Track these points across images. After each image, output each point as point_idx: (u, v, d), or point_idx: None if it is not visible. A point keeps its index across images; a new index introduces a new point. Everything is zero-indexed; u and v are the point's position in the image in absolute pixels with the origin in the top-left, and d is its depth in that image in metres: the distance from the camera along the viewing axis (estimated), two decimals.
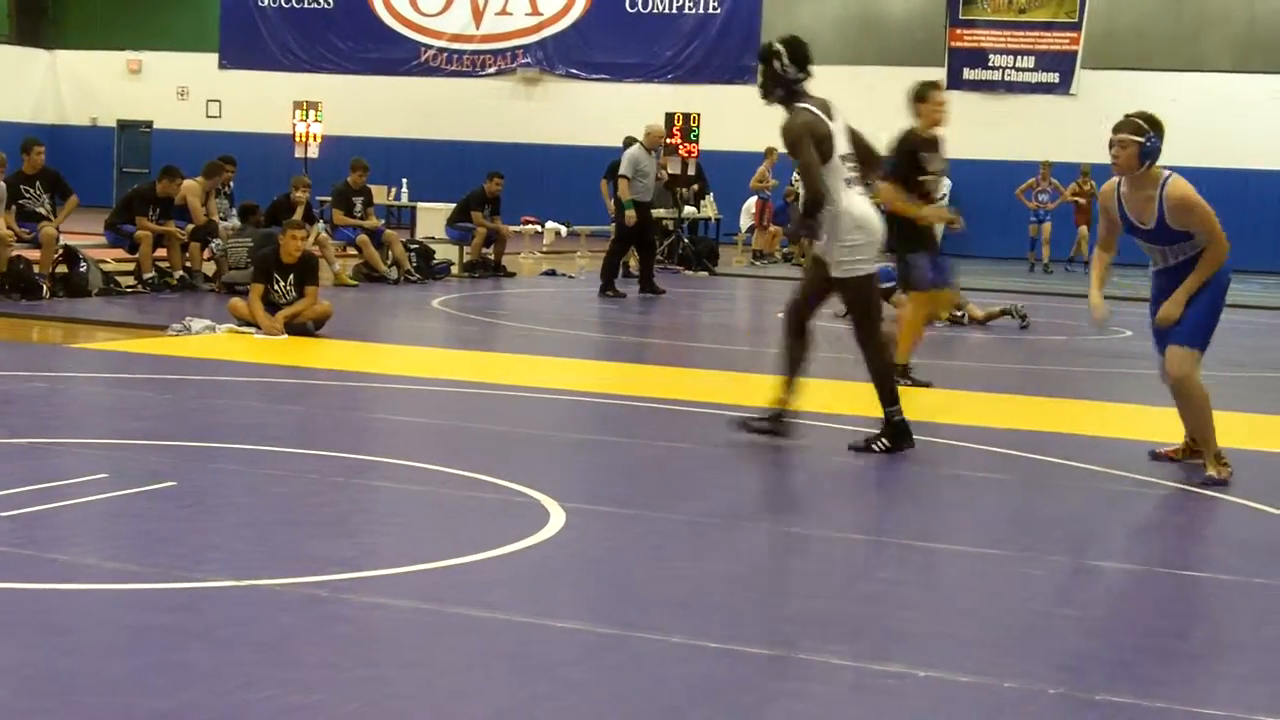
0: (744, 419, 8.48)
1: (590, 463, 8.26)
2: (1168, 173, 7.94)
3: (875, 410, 8.42)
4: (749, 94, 35.25)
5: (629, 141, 19.92)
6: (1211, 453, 8.02)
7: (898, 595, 5.67)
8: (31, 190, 15.74)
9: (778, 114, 8.34)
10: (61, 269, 15.46)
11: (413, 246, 20.48)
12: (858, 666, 4.75)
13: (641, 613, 5.22)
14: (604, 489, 7.33)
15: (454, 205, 21.83)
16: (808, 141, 8.15)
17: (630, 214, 18.48)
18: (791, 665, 4.76)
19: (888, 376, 8.44)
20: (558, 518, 6.49)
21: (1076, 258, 28.35)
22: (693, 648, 4.85)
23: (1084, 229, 27.71)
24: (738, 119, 31.48)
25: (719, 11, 34.43)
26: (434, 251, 20.79)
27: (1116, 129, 7.85)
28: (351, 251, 19.66)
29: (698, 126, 25.52)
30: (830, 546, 6.43)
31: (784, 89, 8.38)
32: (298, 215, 16.78)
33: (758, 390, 10.94)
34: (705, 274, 23.64)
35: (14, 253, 15.10)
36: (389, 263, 19.50)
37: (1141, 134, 7.76)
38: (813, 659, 4.81)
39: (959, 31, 33.49)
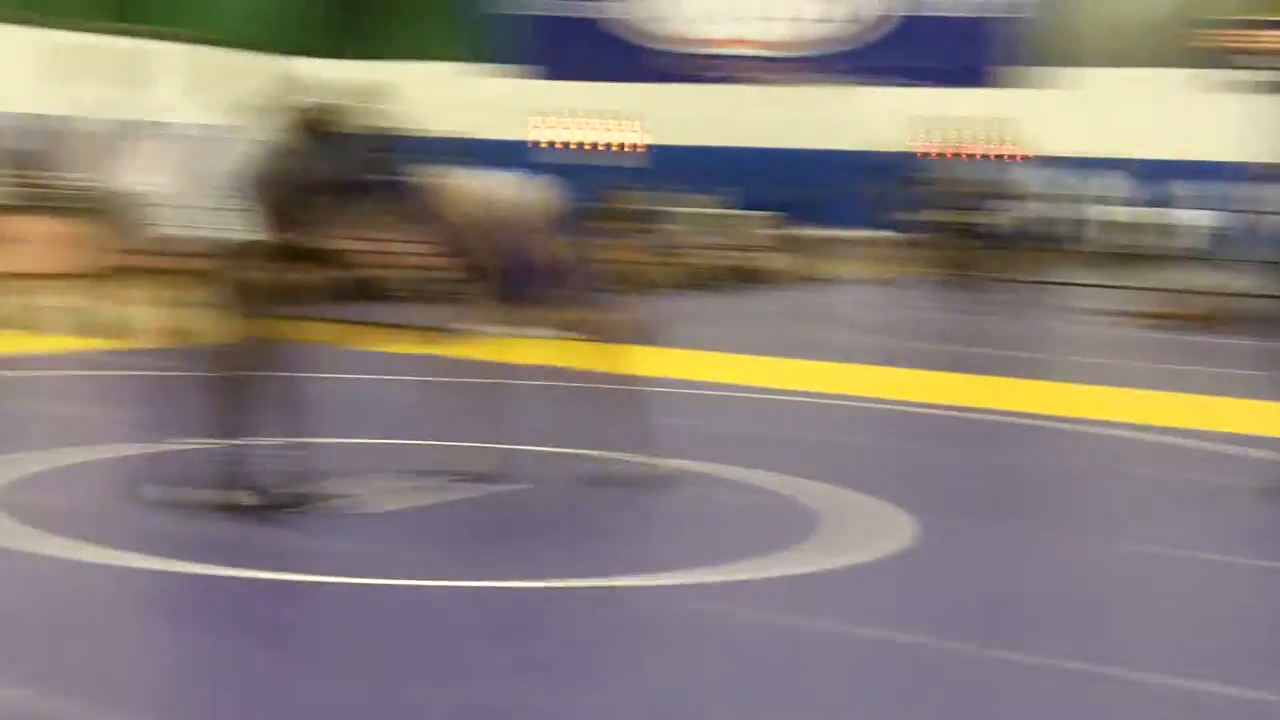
0: None
1: (944, 476, 8.11)
2: None
3: None
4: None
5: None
6: None
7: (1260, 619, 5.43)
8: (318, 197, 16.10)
9: None
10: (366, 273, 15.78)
11: None
12: (1217, 692, 4.54)
13: (993, 630, 5.09)
14: (957, 503, 7.19)
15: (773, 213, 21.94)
16: None
17: None
18: (1142, 687, 4.59)
19: None
20: (910, 531, 6.38)
21: None
22: (1046, 666, 4.71)
23: None
24: None
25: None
26: None
27: None
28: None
29: None
30: (1181, 566, 6.19)
31: None
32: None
33: (1140, 408, 10.68)
34: None
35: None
36: None
37: None
38: (1168, 683, 4.63)
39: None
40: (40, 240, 14.63)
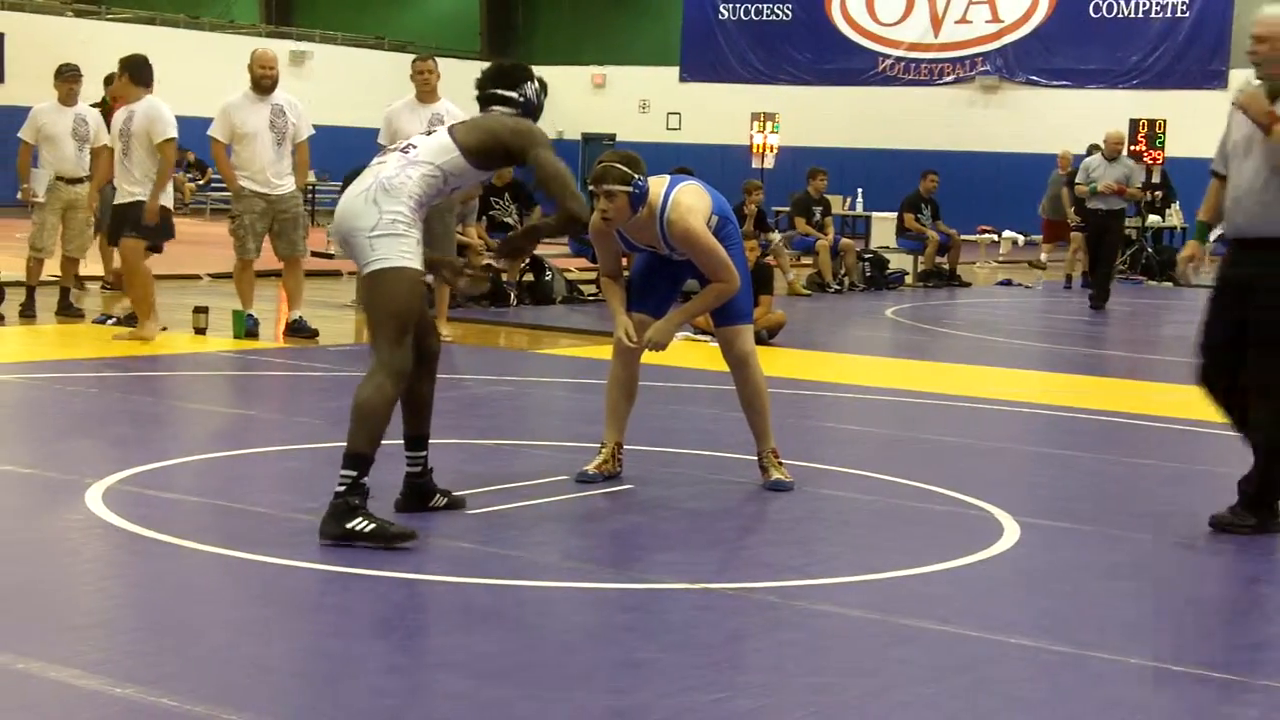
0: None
1: (1046, 477, 8.08)
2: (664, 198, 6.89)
3: None
4: (1219, 99, 34.09)
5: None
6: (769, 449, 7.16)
7: None
8: (500, 201, 16.39)
9: None
10: (528, 278, 16.06)
11: (866, 256, 20.50)
12: None
13: (1098, 633, 5.05)
14: (1060, 504, 7.14)
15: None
16: None
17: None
18: (1253, 691, 4.53)
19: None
20: (1012, 532, 6.36)
21: None
22: (1152, 670, 4.68)
23: None
24: (1207, 125, 30.31)
25: (1188, 15, 33.22)
26: (888, 261, 20.76)
27: (597, 180, 6.73)
28: (805, 261, 19.79)
29: (1163, 133, 24.71)
30: None
31: None
32: (749, 225, 16.95)
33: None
34: (1169, 284, 22.84)
35: (485, 261, 15.75)
36: (841, 272, 19.56)
37: (629, 181, 6.68)
38: (1275, 685, 4.57)
39: None
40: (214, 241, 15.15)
